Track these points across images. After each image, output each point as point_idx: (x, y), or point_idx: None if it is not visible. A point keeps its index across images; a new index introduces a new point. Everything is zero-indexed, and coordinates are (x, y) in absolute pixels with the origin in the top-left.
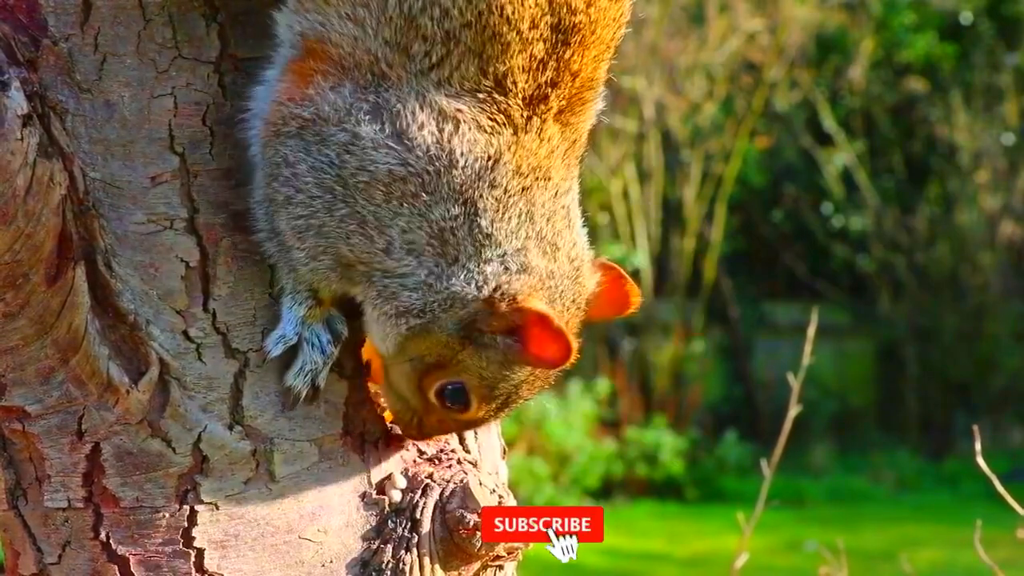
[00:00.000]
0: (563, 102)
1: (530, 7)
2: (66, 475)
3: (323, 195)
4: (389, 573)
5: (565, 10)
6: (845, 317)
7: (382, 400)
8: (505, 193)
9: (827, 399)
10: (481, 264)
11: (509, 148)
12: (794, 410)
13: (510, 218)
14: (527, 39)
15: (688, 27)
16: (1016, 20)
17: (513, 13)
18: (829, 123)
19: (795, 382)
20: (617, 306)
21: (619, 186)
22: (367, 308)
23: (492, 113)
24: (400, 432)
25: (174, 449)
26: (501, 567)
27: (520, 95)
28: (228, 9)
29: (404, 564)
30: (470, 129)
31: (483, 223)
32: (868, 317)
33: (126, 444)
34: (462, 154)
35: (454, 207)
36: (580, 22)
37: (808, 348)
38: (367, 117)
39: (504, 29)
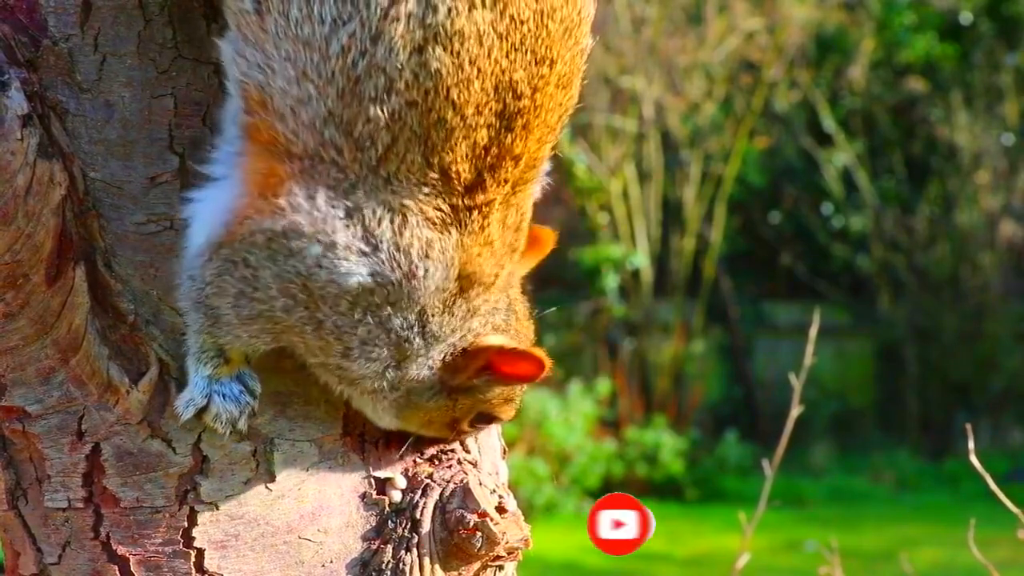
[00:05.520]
0: (506, 187)
1: (476, 92)
2: (66, 475)
3: (283, 298)
4: (389, 573)
5: (510, 95)
6: (845, 317)
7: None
8: (450, 295)
9: (827, 399)
10: (430, 351)
11: (455, 250)
12: (796, 410)
13: (453, 315)
14: (471, 125)
15: (687, 26)
16: (1016, 20)
17: (459, 97)
18: (829, 123)
19: (796, 382)
20: (538, 249)
21: (619, 186)
22: (337, 390)
23: (438, 206)
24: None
25: (174, 449)
26: (501, 567)
27: (463, 183)
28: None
29: (404, 564)
30: (422, 229)
31: (432, 327)
32: (868, 317)
33: (126, 444)
34: (419, 258)
35: (411, 315)
36: (524, 107)
37: (809, 348)
38: (343, 224)
39: (449, 114)
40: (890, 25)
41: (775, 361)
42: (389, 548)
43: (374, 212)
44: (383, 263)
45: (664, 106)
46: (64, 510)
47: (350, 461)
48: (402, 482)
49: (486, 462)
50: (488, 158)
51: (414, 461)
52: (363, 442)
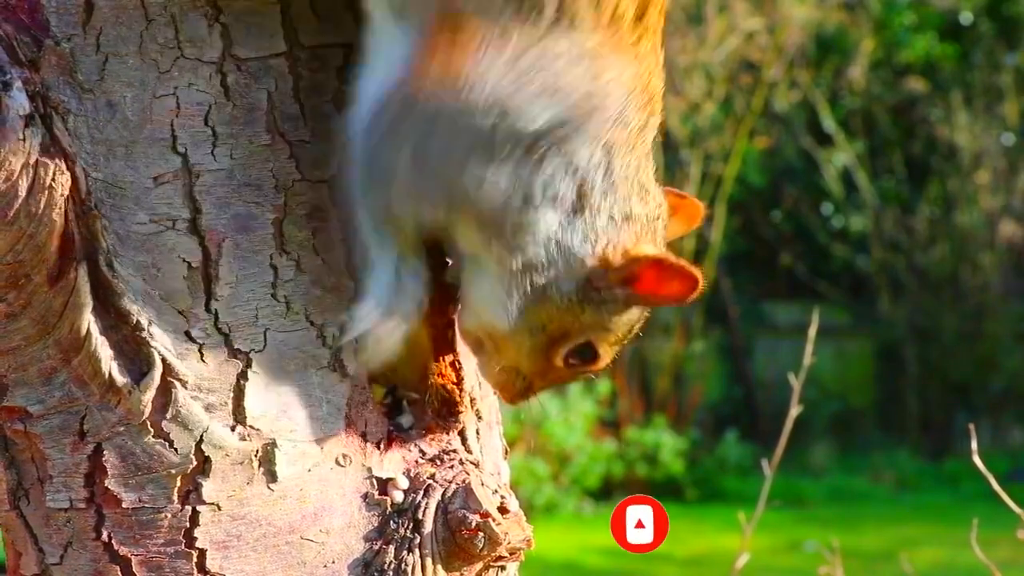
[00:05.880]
0: (657, 11)
1: None
2: (68, 476)
3: (467, 137)
4: (391, 574)
5: None
6: (845, 317)
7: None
8: (631, 133)
9: (827, 399)
10: (597, 219)
11: (633, 78)
12: (796, 410)
13: (629, 163)
14: None
15: (687, 26)
16: (1016, 20)
17: None
18: (829, 123)
19: (796, 382)
20: (687, 222)
21: None
22: (485, 267)
23: (616, 44)
24: (502, 396)
25: (176, 450)
26: (503, 567)
27: (631, 18)
28: (231, 9)
29: (406, 564)
30: (607, 63)
31: (616, 168)
32: (868, 317)
33: (128, 445)
34: (607, 89)
35: (597, 151)
36: None
37: (809, 348)
38: (527, 78)
39: None
40: (890, 25)
41: (775, 361)
42: (391, 548)
43: (556, 62)
44: (565, 99)
45: (664, 106)
46: (66, 510)
47: (352, 461)
48: (404, 482)
49: (488, 462)
50: None
51: (416, 461)
52: (365, 442)
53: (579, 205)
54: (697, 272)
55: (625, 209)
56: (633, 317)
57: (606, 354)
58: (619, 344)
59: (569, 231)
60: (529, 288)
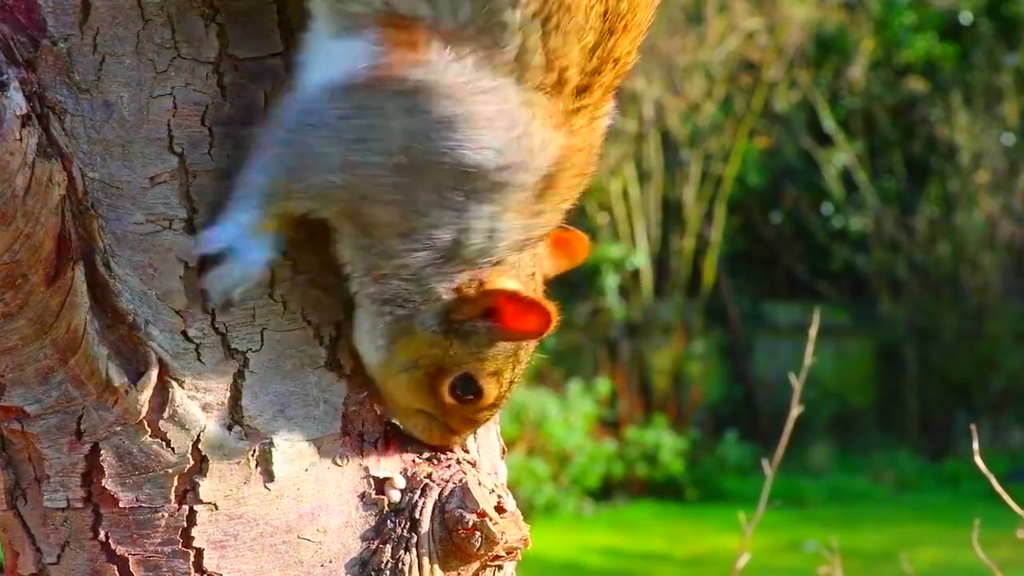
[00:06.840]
0: (602, 91)
1: None
2: (65, 475)
3: (400, 156)
4: (388, 573)
5: None
6: (845, 317)
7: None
8: (528, 198)
9: (827, 399)
10: (464, 265)
11: (560, 151)
12: (796, 411)
13: (515, 227)
14: (582, 28)
15: (687, 26)
16: (1016, 20)
17: (573, 2)
18: (829, 123)
19: (796, 382)
20: (571, 256)
21: (619, 186)
22: (358, 304)
23: (553, 110)
24: (435, 444)
25: (173, 449)
26: (500, 567)
27: (573, 87)
28: (228, 9)
29: (403, 564)
30: (543, 128)
31: (502, 229)
32: (868, 317)
33: (125, 444)
34: (522, 149)
35: (490, 206)
36: (624, 8)
37: (809, 348)
38: (484, 97)
39: (565, 20)
40: (890, 25)
41: (775, 361)
42: (388, 548)
43: (512, 105)
44: (520, 150)
45: (664, 106)
46: (63, 510)
47: (349, 461)
48: (401, 482)
49: (485, 462)
50: (593, 60)
51: (413, 461)
52: (362, 442)
53: (453, 253)
54: (551, 308)
55: (496, 257)
56: (507, 348)
57: (491, 386)
58: (503, 376)
59: (432, 270)
60: (391, 319)
